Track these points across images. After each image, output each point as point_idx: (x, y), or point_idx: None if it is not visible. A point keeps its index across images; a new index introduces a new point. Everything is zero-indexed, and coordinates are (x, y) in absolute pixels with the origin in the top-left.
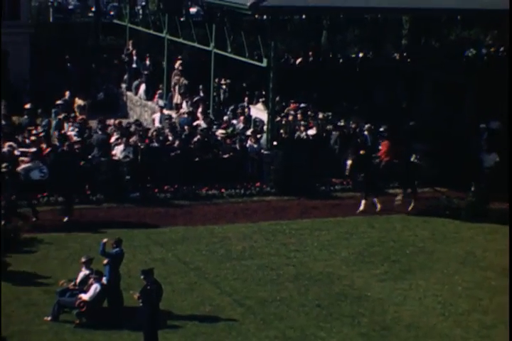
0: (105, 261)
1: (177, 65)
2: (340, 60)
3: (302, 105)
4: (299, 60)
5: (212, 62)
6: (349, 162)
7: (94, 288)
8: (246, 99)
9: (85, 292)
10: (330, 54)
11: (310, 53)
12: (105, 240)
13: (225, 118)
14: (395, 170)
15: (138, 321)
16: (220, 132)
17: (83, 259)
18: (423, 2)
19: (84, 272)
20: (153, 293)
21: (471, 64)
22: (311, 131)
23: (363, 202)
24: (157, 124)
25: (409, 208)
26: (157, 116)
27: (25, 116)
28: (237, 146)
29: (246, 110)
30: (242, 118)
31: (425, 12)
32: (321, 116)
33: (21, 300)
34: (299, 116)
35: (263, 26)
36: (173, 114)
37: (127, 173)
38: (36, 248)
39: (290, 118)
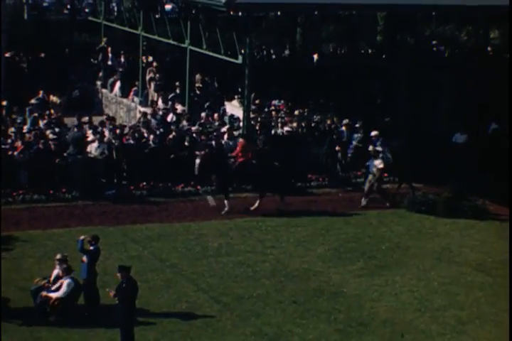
0: (84, 259)
1: (151, 61)
2: (315, 57)
3: (277, 102)
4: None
5: (187, 59)
6: (197, 161)
7: (68, 283)
8: (220, 95)
9: (58, 289)
10: (305, 50)
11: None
12: (82, 237)
13: (202, 115)
14: (250, 171)
15: (114, 319)
16: (195, 129)
17: (58, 257)
18: None
19: (58, 270)
20: (129, 291)
21: (445, 60)
22: (287, 128)
23: (226, 202)
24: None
25: (252, 208)
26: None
27: None
28: (213, 143)
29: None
30: (217, 115)
31: (400, 8)
32: (296, 112)
33: None
34: (274, 112)
35: (238, 23)
36: (148, 111)
37: (103, 171)
38: (12, 246)
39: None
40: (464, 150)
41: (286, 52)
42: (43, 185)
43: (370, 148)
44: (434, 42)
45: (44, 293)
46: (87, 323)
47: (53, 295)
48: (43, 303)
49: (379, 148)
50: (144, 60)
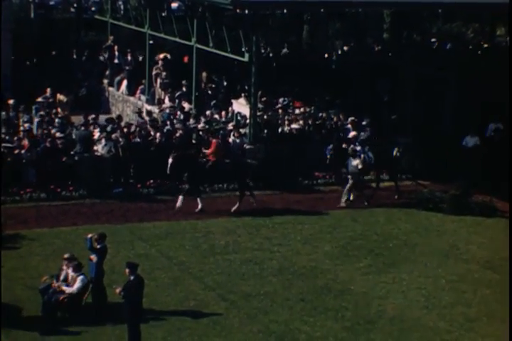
0: (92, 257)
1: (158, 60)
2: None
3: (282, 100)
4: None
5: (194, 57)
6: (170, 160)
7: (81, 279)
8: (227, 93)
9: (69, 286)
10: (311, 48)
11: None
12: (90, 235)
13: (208, 112)
14: (223, 170)
15: (121, 316)
16: (201, 126)
17: (66, 256)
18: None
19: (67, 269)
20: (136, 289)
21: (452, 58)
22: (295, 125)
23: (199, 200)
24: None
25: (233, 209)
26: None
27: (4, 113)
28: (220, 141)
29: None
30: (224, 113)
31: (406, 6)
32: (303, 110)
33: (4, 296)
34: (280, 110)
35: (244, 21)
36: (155, 109)
37: (110, 169)
38: (19, 244)
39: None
40: (473, 153)
41: (293, 49)
42: (50, 183)
43: (349, 148)
44: (434, 39)
45: (57, 285)
46: (95, 321)
47: (66, 289)
48: (52, 300)
49: (358, 148)
50: (161, 56)
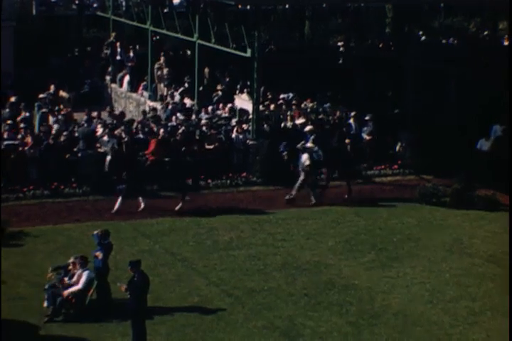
0: (98, 253)
1: (160, 57)
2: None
3: (287, 95)
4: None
5: (196, 53)
6: (108, 157)
7: (87, 275)
8: (230, 89)
9: (75, 284)
10: (313, 43)
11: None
12: (96, 232)
13: (210, 108)
14: (163, 170)
15: (126, 313)
16: (204, 122)
17: (71, 260)
18: None
19: (73, 271)
20: (141, 285)
21: (454, 52)
22: (299, 121)
23: (141, 199)
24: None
25: (176, 208)
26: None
27: (7, 110)
28: (223, 137)
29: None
30: (226, 108)
31: (408, 1)
32: (303, 105)
33: (8, 293)
34: (284, 106)
35: (246, 17)
36: (158, 106)
37: (113, 165)
38: (23, 241)
39: (272, 107)
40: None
41: (295, 45)
42: (53, 180)
43: (300, 144)
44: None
45: (65, 292)
46: (99, 317)
47: (73, 289)
48: (57, 297)
49: (309, 145)
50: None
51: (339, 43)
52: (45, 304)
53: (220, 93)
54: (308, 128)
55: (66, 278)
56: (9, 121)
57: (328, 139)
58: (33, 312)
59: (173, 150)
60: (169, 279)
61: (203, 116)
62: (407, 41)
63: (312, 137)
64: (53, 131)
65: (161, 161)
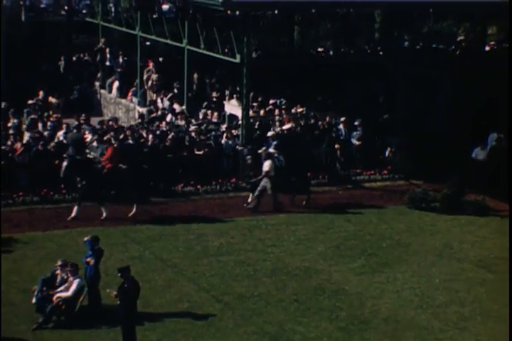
0: (89, 259)
1: (149, 62)
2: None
3: (278, 100)
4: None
5: (185, 59)
6: (64, 163)
7: (78, 282)
8: (219, 95)
9: (65, 290)
10: (303, 48)
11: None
12: (87, 238)
13: (200, 114)
14: (119, 177)
15: (116, 319)
16: (193, 128)
17: (59, 263)
18: None
19: (62, 274)
20: (131, 291)
21: (444, 56)
22: (287, 126)
23: (76, 208)
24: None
25: (130, 214)
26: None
27: None
28: (212, 143)
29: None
30: (215, 114)
31: (397, 6)
32: (294, 110)
33: None
34: (276, 111)
35: (236, 22)
36: (145, 111)
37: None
38: (13, 248)
39: (262, 112)
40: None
41: (284, 50)
42: (42, 186)
43: (262, 149)
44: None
45: (56, 296)
46: (90, 323)
47: (62, 294)
48: (47, 303)
49: (271, 150)
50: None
51: (319, 49)
52: (33, 300)
53: (209, 98)
54: (270, 133)
55: (50, 289)
56: None
57: (309, 144)
58: (24, 318)
59: (130, 158)
60: (159, 285)
61: (193, 121)
62: (395, 46)
63: (275, 143)
64: (45, 137)
65: (118, 169)
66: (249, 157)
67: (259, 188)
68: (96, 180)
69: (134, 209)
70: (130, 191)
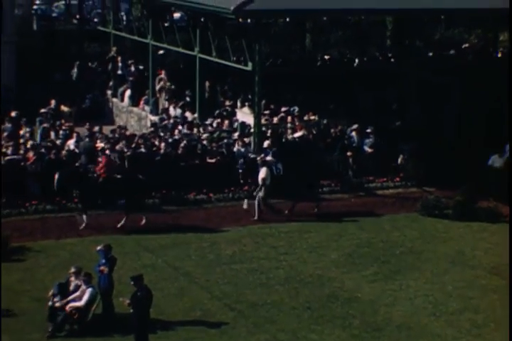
0: (103, 268)
1: (161, 71)
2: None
3: (291, 108)
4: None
5: (197, 67)
6: (56, 176)
7: (90, 292)
8: (231, 103)
9: (78, 299)
10: (315, 56)
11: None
12: (99, 247)
13: (212, 122)
14: (115, 186)
15: (129, 327)
16: (205, 136)
17: (72, 270)
18: (406, 3)
19: (76, 281)
20: (143, 299)
21: (455, 63)
22: (298, 134)
23: (84, 217)
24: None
25: (119, 225)
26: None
27: (9, 125)
28: (224, 150)
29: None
30: (227, 122)
31: (408, 13)
32: (306, 118)
33: (11, 308)
34: (287, 118)
35: (247, 30)
36: (157, 120)
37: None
38: (25, 256)
39: (275, 120)
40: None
41: (296, 58)
42: (55, 195)
43: (259, 158)
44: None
45: (69, 305)
46: (103, 332)
47: (75, 304)
48: (59, 311)
49: (269, 158)
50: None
51: (331, 57)
52: (49, 303)
53: (221, 106)
54: (266, 143)
55: (62, 298)
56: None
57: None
58: (37, 327)
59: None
60: (172, 293)
61: (205, 129)
62: (406, 53)
63: (272, 151)
64: (57, 146)
65: (113, 178)
66: (240, 171)
67: (259, 196)
68: (90, 190)
69: (123, 221)
70: (125, 200)
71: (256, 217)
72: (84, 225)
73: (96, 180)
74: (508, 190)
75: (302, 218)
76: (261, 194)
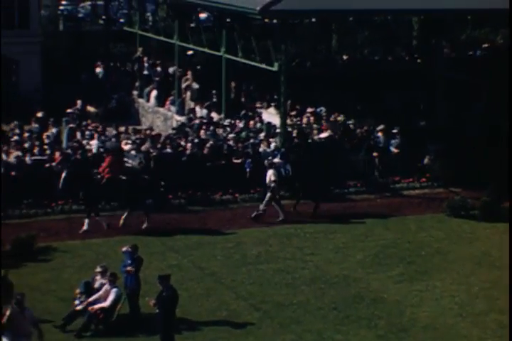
0: (129, 268)
1: (187, 71)
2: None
3: (318, 109)
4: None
5: (223, 67)
6: (63, 175)
7: (115, 292)
8: (257, 103)
9: (103, 299)
10: (341, 56)
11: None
12: (125, 248)
13: (237, 122)
14: (119, 187)
15: (154, 327)
16: (231, 137)
17: (98, 269)
18: (432, 3)
19: (101, 280)
20: (169, 299)
21: (482, 63)
22: (324, 134)
23: (86, 221)
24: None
25: (143, 226)
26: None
27: (36, 125)
28: (250, 151)
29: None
30: (253, 122)
31: (435, 13)
32: (332, 118)
33: (37, 308)
34: (312, 119)
35: (273, 30)
36: (184, 120)
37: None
38: (51, 256)
39: (304, 120)
40: None
41: (322, 58)
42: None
43: (266, 159)
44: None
45: (91, 308)
46: (128, 332)
47: (100, 305)
48: (85, 313)
49: (277, 160)
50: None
51: (351, 57)
52: (76, 302)
53: (247, 107)
54: (273, 145)
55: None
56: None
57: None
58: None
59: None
60: (198, 293)
61: (231, 130)
62: (433, 53)
63: (280, 152)
64: (84, 146)
65: (117, 179)
66: (248, 170)
67: (266, 198)
68: (95, 191)
69: (122, 220)
70: (128, 201)
71: (280, 218)
72: (85, 229)
73: (100, 181)
74: None
75: (326, 218)
76: (267, 196)
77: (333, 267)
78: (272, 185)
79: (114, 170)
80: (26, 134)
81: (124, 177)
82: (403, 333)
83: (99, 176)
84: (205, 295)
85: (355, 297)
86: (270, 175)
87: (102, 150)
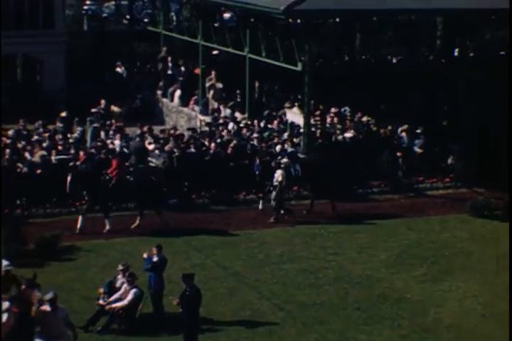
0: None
1: (211, 71)
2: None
3: (343, 109)
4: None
5: (247, 67)
6: (69, 178)
7: (134, 292)
8: (281, 103)
9: (120, 300)
10: (365, 56)
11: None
12: (146, 255)
13: (261, 122)
14: (127, 189)
15: (178, 327)
16: (254, 136)
17: (120, 267)
18: (456, 2)
19: (122, 279)
20: (192, 299)
21: (505, 63)
22: (348, 134)
23: (107, 220)
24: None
25: (133, 226)
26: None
27: (60, 124)
28: (274, 150)
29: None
30: (276, 122)
31: (459, 13)
32: (356, 119)
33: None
34: (335, 119)
35: (297, 30)
36: (209, 120)
37: (164, 180)
38: (75, 255)
39: (328, 120)
40: None
41: (346, 58)
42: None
43: (275, 160)
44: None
45: (108, 307)
46: (152, 331)
47: (118, 304)
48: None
49: (285, 160)
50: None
51: (368, 56)
52: (101, 301)
53: (270, 107)
54: (278, 147)
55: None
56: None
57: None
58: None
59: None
60: (221, 293)
61: (255, 129)
62: (457, 53)
63: (287, 153)
64: (109, 146)
65: (125, 180)
66: (257, 172)
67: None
68: (102, 193)
69: (138, 221)
70: (138, 203)
71: (272, 219)
72: (79, 229)
73: (108, 182)
74: None
75: (350, 218)
76: (273, 196)
77: (356, 267)
78: (275, 184)
79: (121, 172)
80: (47, 134)
81: (131, 179)
82: (426, 333)
83: (107, 177)
84: (228, 295)
85: (379, 297)
86: (278, 175)
87: (125, 150)
